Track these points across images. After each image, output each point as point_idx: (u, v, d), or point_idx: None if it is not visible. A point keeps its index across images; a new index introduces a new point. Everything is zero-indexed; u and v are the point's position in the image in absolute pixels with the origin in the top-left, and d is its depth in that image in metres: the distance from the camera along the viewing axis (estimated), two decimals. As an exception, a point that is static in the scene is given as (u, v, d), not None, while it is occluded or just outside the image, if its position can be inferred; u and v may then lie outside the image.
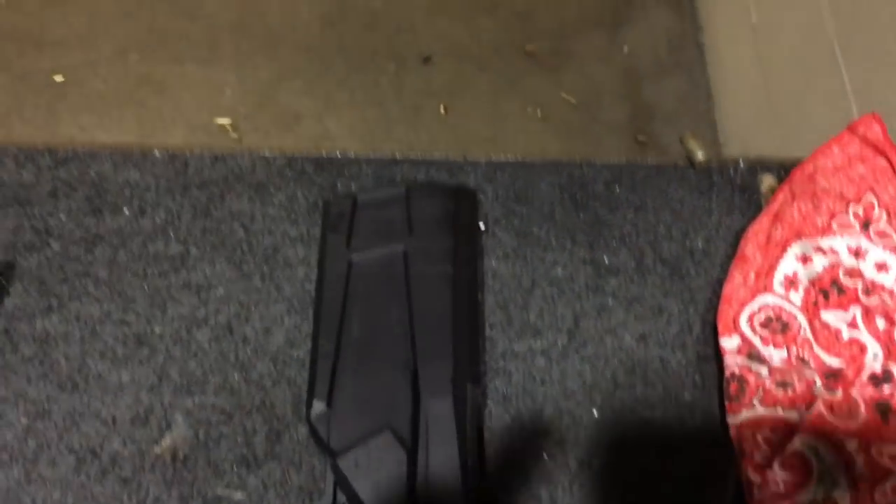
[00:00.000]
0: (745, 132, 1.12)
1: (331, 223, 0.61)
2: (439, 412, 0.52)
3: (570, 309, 0.61)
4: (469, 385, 0.54)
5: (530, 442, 0.56)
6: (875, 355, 0.51)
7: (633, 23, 1.36)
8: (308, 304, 0.60)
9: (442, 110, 1.20)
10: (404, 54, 1.29)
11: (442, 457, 0.51)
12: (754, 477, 0.48)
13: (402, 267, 0.58)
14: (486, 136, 1.22)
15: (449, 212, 0.60)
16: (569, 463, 0.55)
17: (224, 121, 1.15)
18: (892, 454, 0.46)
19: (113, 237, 0.63)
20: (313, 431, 0.53)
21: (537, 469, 0.55)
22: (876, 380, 0.50)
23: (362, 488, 0.50)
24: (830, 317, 0.54)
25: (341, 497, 0.52)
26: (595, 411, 0.57)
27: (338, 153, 0.67)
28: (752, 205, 0.64)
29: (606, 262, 0.62)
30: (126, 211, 0.64)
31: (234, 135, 1.14)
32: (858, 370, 0.51)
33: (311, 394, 0.54)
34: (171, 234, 0.63)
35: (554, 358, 0.59)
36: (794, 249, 0.56)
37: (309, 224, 0.64)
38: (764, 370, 0.52)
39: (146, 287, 0.61)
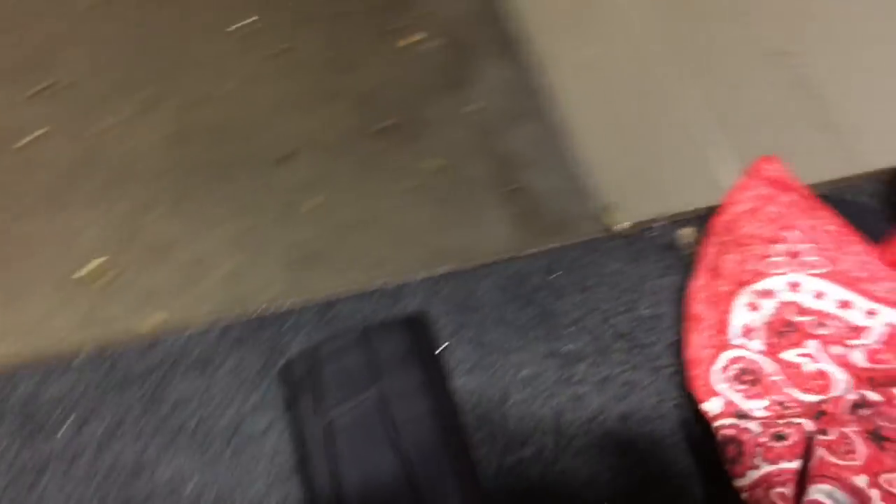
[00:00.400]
0: (605, 161, 1.17)
1: (297, 384, 0.58)
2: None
3: (547, 408, 0.61)
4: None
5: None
6: (846, 382, 0.55)
7: (474, 81, 1.41)
8: (288, 474, 0.57)
9: (313, 204, 1.19)
10: (261, 157, 1.27)
11: None
12: (780, 533, 0.50)
13: (383, 413, 0.55)
14: (363, 218, 1.21)
15: (410, 344, 0.59)
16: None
17: (98, 261, 1.09)
18: (898, 480, 0.49)
19: (59, 458, 0.56)
20: None
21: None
22: (856, 406, 0.53)
23: None
24: (791, 355, 0.57)
25: None
26: (605, 505, 0.57)
27: (271, 308, 0.64)
28: (681, 261, 0.67)
29: (567, 349, 0.63)
30: (66, 426, 0.58)
31: (111, 272, 1.08)
32: (837, 404, 0.54)
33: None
34: (123, 438, 0.57)
35: (547, 462, 0.58)
36: (741, 299, 0.59)
37: (265, 387, 0.60)
38: (754, 426, 0.54)
39: (110, 504, 0.55)
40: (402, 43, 1.42)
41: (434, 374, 0.59)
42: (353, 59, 1.40)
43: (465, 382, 0.61)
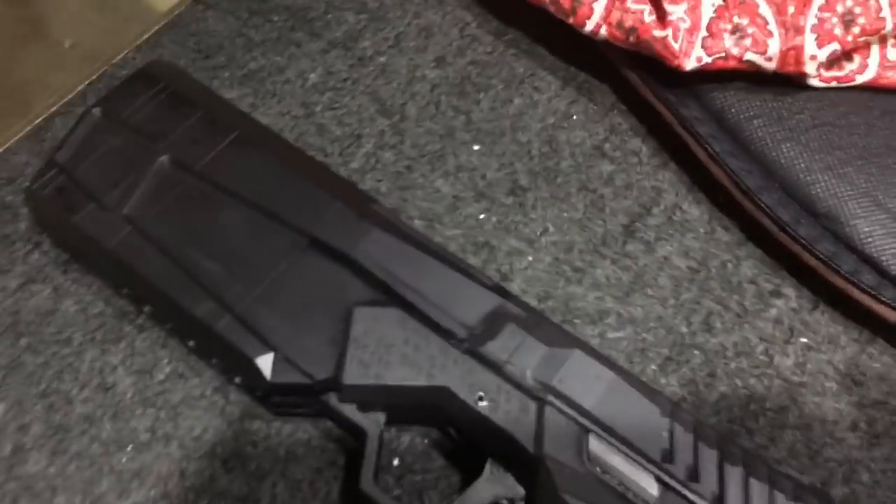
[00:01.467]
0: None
1: (50, 207, 0.40)
2: (379, 244, 0.39)
3: (360, 94, 0.50)
4: (372, 205, 0.42)
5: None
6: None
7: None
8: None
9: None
10: None
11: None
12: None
13: (190, 177, 0.41)
14: None
15: (162, 92, 0.44)
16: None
17: None
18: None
19: None
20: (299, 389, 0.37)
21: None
22: None
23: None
24: None
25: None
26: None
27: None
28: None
29: (336, 35, 0.52)
30: None
31: None
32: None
33: (241, 361, 0.37)
34: None
35: (387, 142, 0.48)
36: None
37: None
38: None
39: None
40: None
41: (218, 105, 0.45)
42: None
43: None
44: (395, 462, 0.39)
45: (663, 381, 0.41)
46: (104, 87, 0.49)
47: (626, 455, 0.34)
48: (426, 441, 0.40)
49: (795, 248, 0.43)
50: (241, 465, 0.39)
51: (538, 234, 0.45)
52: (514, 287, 0.43)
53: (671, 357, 0.41)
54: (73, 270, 0.43)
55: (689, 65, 0.43)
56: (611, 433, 0.35)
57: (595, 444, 0.34)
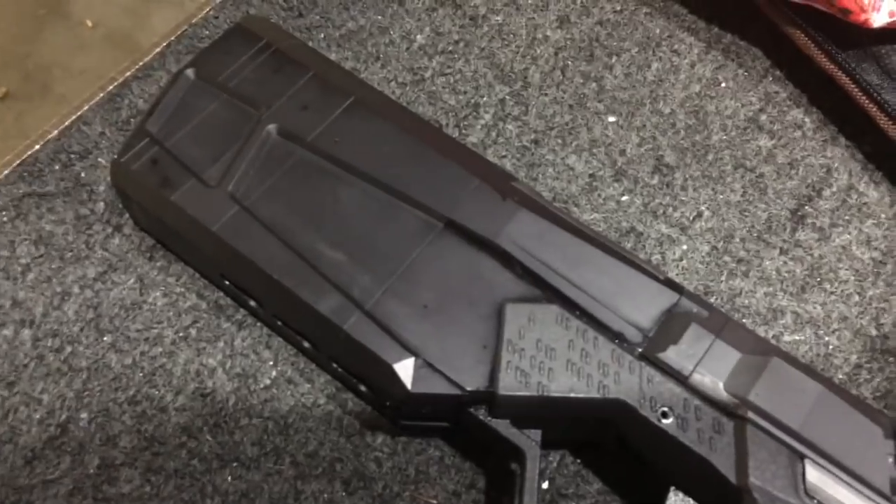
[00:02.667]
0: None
1: (143, 183, 0.34)
2: (528, 229, 0.33)
3: (479, 60, 0.44)
4: (513, 184, 0.35)
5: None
6: None
7: None
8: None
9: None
10: None
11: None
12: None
13: (301, 149, 0.35)
14: None
15: (263, 51, 0.38)
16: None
17: None
18: None
19: None
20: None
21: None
22: None
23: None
24: None
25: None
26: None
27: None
28: None
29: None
30: None
31: None
32: None
33: (374, 367, 0.31)
34: None
35: (505, 114, 0.42)
36: None
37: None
38: None
39: None
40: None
41: (324, 65, 0.39)
42: None
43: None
44: (545, 485, 0.33)
45: (854, 391, 0.35)
46: (185, 49, 0.43)
47: (852, 487, 0.28)
48: (578, 461, 0.34)
49: None
50: (365, 486, 0.33)
51: (691, 219, 0.39)
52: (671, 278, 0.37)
53: (861, 364, 0.35)
54: (159, 257, 0.37)
55: (879, 20, 0.37)
56: (828, 459, 0.29)
57: (814, 473, 0.28)
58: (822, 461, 0.28)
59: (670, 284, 0.32)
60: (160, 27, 0.44)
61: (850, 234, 0.38)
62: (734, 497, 0.28)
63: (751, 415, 0.29)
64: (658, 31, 0.44)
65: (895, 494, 0.28)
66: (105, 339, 0.36)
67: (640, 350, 0.31)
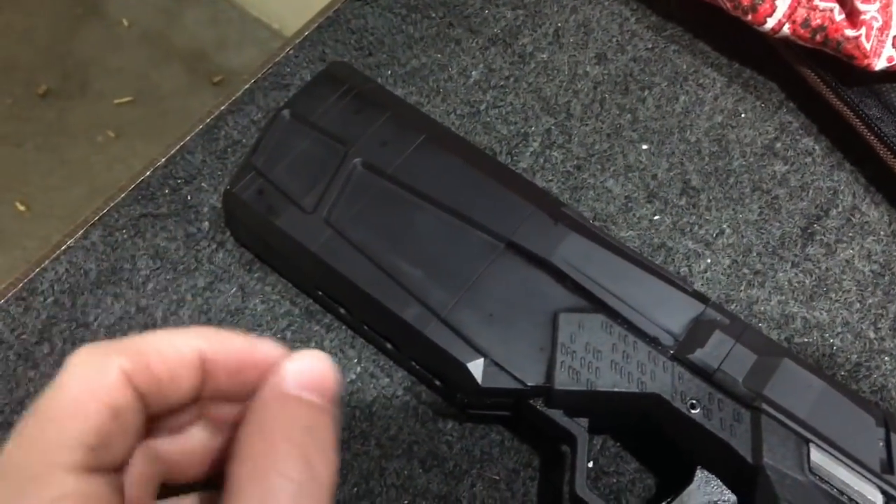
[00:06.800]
0: None
1: (252, 210, 0.41)
2: (577, 249, 0.39)
3: (526, 93, 0.50)
4: (563, 209, 0.42)
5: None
6: None
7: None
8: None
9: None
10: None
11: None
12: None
13: (382, 180, 0.41)
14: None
15: (347, 94, 0.44)
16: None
17: None
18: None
19: None
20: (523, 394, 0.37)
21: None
22: None
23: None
24: None
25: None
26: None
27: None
28: None
29: (495, 32, 0.52)
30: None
31: None
32: None
33: (450, 366, 0.37)
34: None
35: (554, 142, 0.48)
36: None
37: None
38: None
39: None
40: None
41: (400, 105, 0.45)
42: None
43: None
44: (590, 464, 0.39)
45: (854, 387, 0.41)
46: (270, 85, 0.49)
47: (849, 466, 0.34)
48: (617, 444, 0.40)
49: None
50: (438, 464, 0.39)
51: (714, 235, 0.45)
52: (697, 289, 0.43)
53: (861, 363, 0.41)
54: (256, 269, 0.44)
55: (879, 65, 0.43)
56: (830, 443, 0.35)
57: (817, 455, 0.34)
58: (824, 445, 0.35)
59: (697, 296, 0.38)
60: (249, 64, 0.51)
61: (853, 249, 0.44)
62: (751, 474, 0.34)
63: (765, 406, 0.35)
64: (685, 66, 0.50)
65: (884, 472, 0.34)
66: (215, 339, 0.42)
67: (672, 352, 0.37)
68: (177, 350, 0.23)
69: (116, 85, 1.55)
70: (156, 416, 0.23)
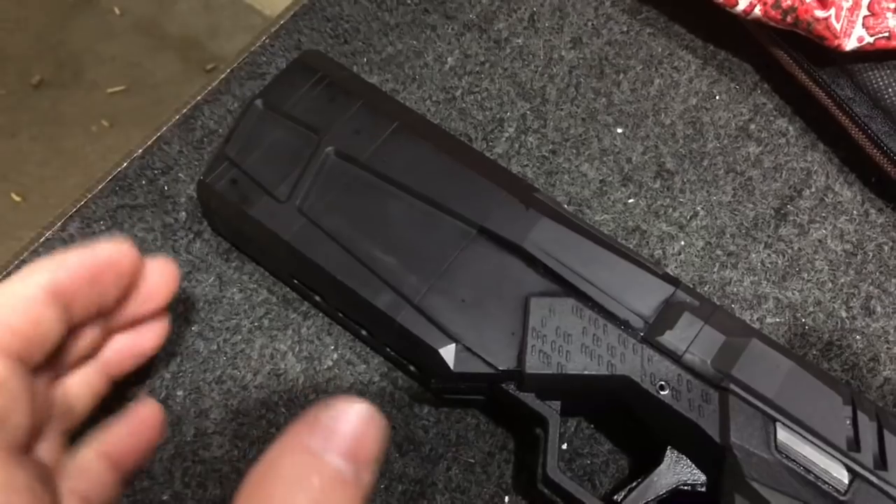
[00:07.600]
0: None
1: (226, 199, 0.41)
2: (548, 234, 0.40)
3: (501, 78, 0.50)
4: (535, 194, 0.42)
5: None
6: None
7: None
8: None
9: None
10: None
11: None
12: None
13: (355, 168, 0.42)
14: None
15: (320, 82, 0.44)
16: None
17: None
18: None
19: None
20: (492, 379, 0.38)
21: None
22: None
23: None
24: None
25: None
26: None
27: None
28: None
29: (470, 17, 0.52)
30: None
31: None
32: None
33: (423, 352, 0.38)
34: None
35: (530, 127, 0.48)
36: None
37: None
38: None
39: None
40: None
41: (373, 93, 0.45)
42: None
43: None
44: (564, 446, 0.40)
45: (826, 366, 0.41)
46: (246, 75, 0.49)
47: (815, 444, 0.35)
48: (591, 426, 0.41)
49: (961, 232, 0.42)
50: (414, 448, 0.40)
51: (688, 218, 0.45)
52: (668, 272, 0.43)
53: (832, 342, 0.42)
54: (233, 259, 0.44)
55: (850, 45, 0.43)
56: (796, 422, 0.35)
57: (783, 434, 0.35)
58: (790, 424, 0.35)
59: (667, 279, 0.39)
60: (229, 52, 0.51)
61: (825, 229, 0.44)
62: (718, 453, 0.35)
63: (733, 387, 0.36)
64: (660, 49, 0.50)
65: (851, 450, 0.35)
66: (193, 328, 0.42)
67: (641, 334, 0.37)
68: (24, 298, 0.23)
69: (110, 74, 1.55)
70: (49, 359, 0.24)
